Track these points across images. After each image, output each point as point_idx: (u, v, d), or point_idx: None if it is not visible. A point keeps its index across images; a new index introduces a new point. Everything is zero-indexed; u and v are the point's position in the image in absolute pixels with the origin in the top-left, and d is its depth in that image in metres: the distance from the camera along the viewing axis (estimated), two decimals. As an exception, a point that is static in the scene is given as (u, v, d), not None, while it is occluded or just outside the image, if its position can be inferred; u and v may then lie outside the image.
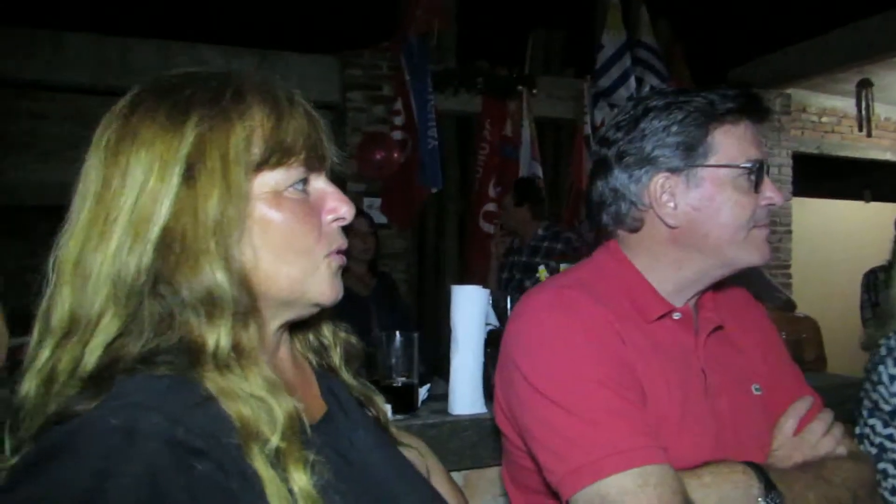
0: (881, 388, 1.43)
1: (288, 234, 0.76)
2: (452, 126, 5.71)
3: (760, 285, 2.77)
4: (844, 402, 1.62)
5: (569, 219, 5.52)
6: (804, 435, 1.14)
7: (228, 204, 0.72)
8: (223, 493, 0.63)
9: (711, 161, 1.10)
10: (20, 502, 0.59)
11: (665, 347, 1.11)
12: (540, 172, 5.41)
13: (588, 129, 5.43)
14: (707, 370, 1.13)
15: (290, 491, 0.66)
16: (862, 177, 7.23)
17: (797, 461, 1.10)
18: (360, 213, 3.87)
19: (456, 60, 5.56)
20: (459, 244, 5.72)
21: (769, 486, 1.00)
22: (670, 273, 1.14)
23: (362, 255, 3.65)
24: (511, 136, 5.46)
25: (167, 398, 0.65)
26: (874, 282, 3.90)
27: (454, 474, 1.38)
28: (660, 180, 1.11)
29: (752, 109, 1.13)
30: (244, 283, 0.73)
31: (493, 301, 1.60)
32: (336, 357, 0.95)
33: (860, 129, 6.34)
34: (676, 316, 1.15)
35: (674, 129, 1.10)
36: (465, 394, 1.44)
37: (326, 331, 0.95)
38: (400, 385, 1.42)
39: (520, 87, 5.46)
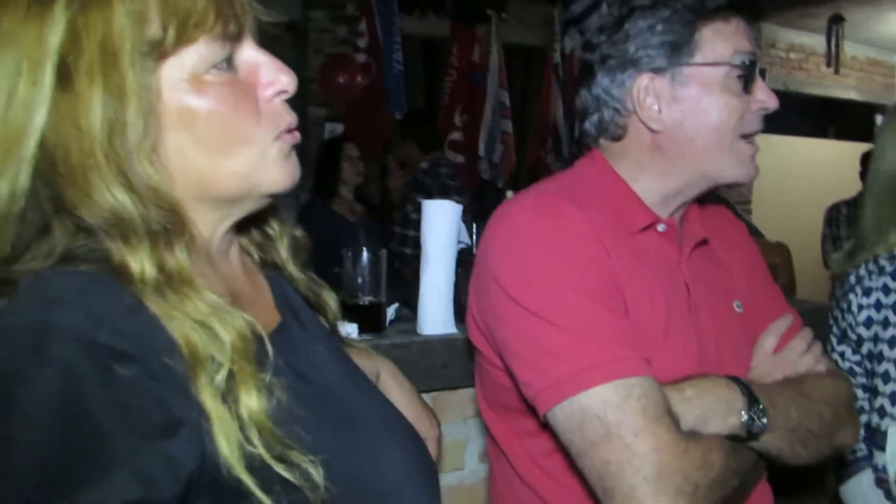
0: (849, 317, 1.44)
1: (221, 125, 0.65)
2: (418, 50, 5.54)
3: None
4: (814, 326, 1.61)
5: (535, 149, 5.45)
6: (784, 353, 1.12)
7: (118, 104, 0.59)
8: (154, 402, 0.54)
9: (698, 59, 1.03)
10: None
11: (649, 260, 1.06)
12: (507, 101, 5.29)
13: (558, 58, 5.31)
14: (690, 285, 1.09)
15: (241, 420, 0.58)
16: (826, 114, 7.28)
17: (777, 378, 1.08)
18: (349, 138, 3.82)
19: (424, -19, 5.35)
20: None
21: (752, 400, 0.97)
22: (655, 182, 1.09)
23: (353, 179, 3.61)
24: (479, 62, 5.30)
25: (89, 294, 0.56)
26: (837, 216, 3.95)
27: (424, 396, 1.34)
28: (643, 82, 1.04)
29: (745, 6, 1.06)
30: (157, 196, 0.61)
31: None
32: (283, 249, 0.84)
33: (828, 66, 6.35)
34: (661, 228, 1.10)
35: (659, 27, 1.03)
36: (435, 313, 1.38)
37: (273, 222, 0.84)
38: (367, 304, 1.35)
39: (489, 12, 5.28)
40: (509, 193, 2.69)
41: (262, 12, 0.69)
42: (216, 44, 0.64)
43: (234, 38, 0.66)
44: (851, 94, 7.22)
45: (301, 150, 0.74)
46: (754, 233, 2.74)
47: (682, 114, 1.04)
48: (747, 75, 1.04)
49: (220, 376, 0.58)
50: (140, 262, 0.59)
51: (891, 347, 1.33)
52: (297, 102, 0.74)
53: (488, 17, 5.31)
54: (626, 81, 1.06)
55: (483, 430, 1.41)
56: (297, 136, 0.72)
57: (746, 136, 1.06)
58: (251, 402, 0.59)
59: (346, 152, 3.60)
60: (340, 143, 3.73)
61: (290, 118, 0.71)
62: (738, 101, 1.04)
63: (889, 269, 1.37)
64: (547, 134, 5.33)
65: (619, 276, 1.00)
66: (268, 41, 0.72)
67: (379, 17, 4.78)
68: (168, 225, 0.61)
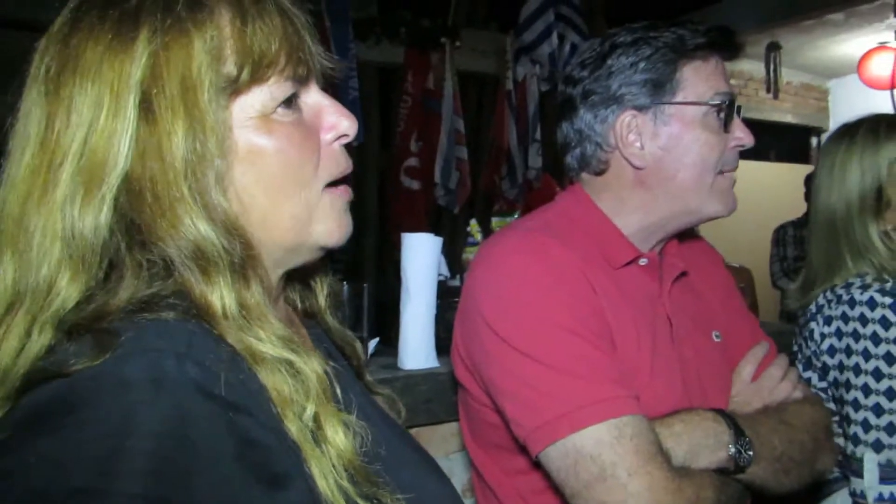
0: (812, 345, 1.47)
1: (284, 165, 0.65)
2: (374, 77, 5.54)
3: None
4: (778, 350, 1.66)
5: (489, 176, 5.49)
6: (762, 380, 1.15)
7: (199, 138, 0.59)
8: (268, 453, 0.54)
9: (679, 98, 1.05)
10: (17, 470, 0.47)
11: (632, 294, 1.08)
12: (462, 128, 5.33)
13: (510, 85, 5.38)
14: (672, 317, 1.11)
15: (331, 460, 0.58)
16: (766, 138, 7.54)
17: (756, 406, 1.11)
18: None
19: (378, 8, 5.37)
20: (380, 199, 5.61)
21: (739, 433, 0.99)
22: (636, 218, 1.11)
23: None
24: (433, 89, 5.34)
25: (196, 345, 0.55)
26: (784, 237, 4.07)
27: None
28: (626, 119, 1.06)
29: (724, 45, 1.09)
30: (235, 230, 0.62)
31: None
32: (322, 299, 0.84)
33: (768, 92, 6.58)
34: (643, 262, 1.11)
35: (641, 65, 1.05)
36: (417, 348, 1.37)
37: (317, 273, 0.84)
38: (348, 339, 1.34)
39: (443, 39, 5.34)
40: (473, 223, 2.70)
41: (326, 58, 0.71)
42: (286, 84, 0.65)
43: (303, 81, 0.68)
44: (788, 118, 7.49)
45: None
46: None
47: (663, 151, 1.06)
48: (726, 114, 1.07)
49: (307, 415, 0.58)
50: (220, 298, 0.59)
51: (856, 375, 1.36)
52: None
53: (442, 44, 5.36)
54: (609, 117, 1.08)
55: (466, 465, 1.40)
56: (350, 192, 0.72)
57: (724, 172, 1.10)
58: (338, 439, 0.60)
59: None
60: None
61: (346, 163, 0.72)
62: (717, 138, 1.06)
63: (846, 297, 1.41)
64: (501, 160, 5.38)
65: (605, 312, 1.02)
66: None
67: (335, 44, 4.77)
68: (246, 259, 0.62)
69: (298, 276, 0.82)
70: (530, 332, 0.97)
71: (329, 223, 0.70)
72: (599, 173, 1.12)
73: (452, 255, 2.06)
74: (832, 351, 1.42)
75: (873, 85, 5.32)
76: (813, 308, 1.49)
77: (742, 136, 1.09)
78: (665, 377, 1.05)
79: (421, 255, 1.36)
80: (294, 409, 0.58)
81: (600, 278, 1.04)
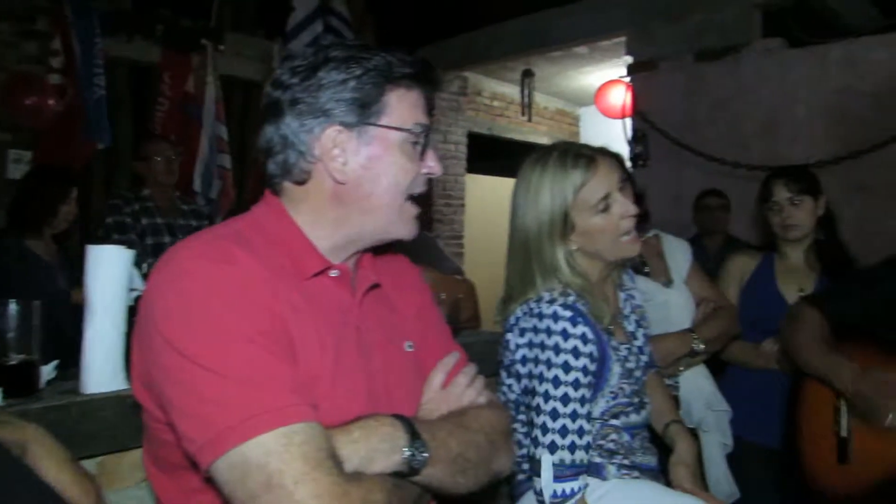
0: (509, 354, 1.58)
1: None
2: (125, 76, 5.14)
3: (435, 256, 2.96)
4: (495, 355, 1.75)
5: (253, 185, 5.32)
6: (450, 388, 1.20)
7: None
8: None
9: (383, 121, 1.09)
10: None
11: (321, 305, 1.08)
12: (225, 135, 5.13)
13: (277, 93, 5.27)
14: (362, 327, 1.13)
15: None
16: (525, 157, 8.14)
17: (443, 412, 1.15)
18: (70, 176, 3.43)
19: (131, 2, 5.00)
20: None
21: (414, 436, 1.02)
22: (330, 230, 1.12)
23: (64, 223, 3.30)
24: (194, 92, 5.08)
25: None
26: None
27: (87, 462, 1.21)
28: (332, 133, 1.08)
29: (426, 78, 1.14)
30: None
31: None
32: None
33: (523, 115, 7.12)
34: (334, 273, 1.12)
35: (351, 83, 1.07)
36: (101, 369, 1.25)
37: None
38: (16, 363, 1.19)
39: (204, 41, 5.10)
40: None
41: None
42: None
43: None
44: (544, 140, 8.14)
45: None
46: (458, 273, 2.93)
47: (363, 170, 1.09)
48: (423, 144, 1.13)
49: None
50: None
51: (540, 383, 1.47)
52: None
53: (204, 46, 5.12)
54: (315, 129, 1.08)
55: (160, 491, 1.30)
56: None
57: (412, 198, 1.14)
58: None
59: (69, 195, 3.27)
60: (62, 180, 3.33)
61: None
62: (412, 165, 1.12)
63: (536, 310, 1.52)
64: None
65: (287, 322, 1.00)
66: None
67: (77, 36, 4.36)
68: None
69: None
70: (203, 340, 0.93)
71: None
72: (300, 182, 1.11)
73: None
74: (524, 360, 1.53)
75: (609, 114, 5.94)
76: (511, 320, 1.59)
77: (433, 165, 1.15)
78: (348, 386, 1.06)
79: (106, 267, 1.25)
80: None
81: (287, 288, 1.03)
